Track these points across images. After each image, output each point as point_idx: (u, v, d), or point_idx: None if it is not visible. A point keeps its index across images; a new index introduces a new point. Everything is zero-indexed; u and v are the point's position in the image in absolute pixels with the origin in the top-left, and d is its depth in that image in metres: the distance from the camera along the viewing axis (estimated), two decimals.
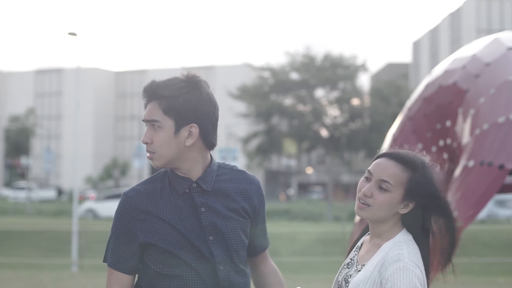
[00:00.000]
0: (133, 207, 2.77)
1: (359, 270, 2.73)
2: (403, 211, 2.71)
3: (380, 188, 2.69)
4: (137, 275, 2.88)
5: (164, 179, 2.84)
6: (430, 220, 2.74)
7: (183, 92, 2.75)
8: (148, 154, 2.80)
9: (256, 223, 2.93)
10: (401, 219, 2.75)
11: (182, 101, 2.74)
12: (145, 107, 2.81)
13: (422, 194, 2.70)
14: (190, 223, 2.77)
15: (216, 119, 2.83)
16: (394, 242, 2.70)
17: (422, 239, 2.73)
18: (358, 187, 2.76)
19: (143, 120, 2.82)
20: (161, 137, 2.75)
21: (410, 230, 2.74)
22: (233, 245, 2.82)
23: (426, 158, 2.76)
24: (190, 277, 2.74)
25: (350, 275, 2.75)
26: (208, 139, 2.81)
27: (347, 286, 2.73)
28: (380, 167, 2.72)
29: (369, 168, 2.76)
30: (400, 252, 2.65)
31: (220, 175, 2.87)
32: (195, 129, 2.76)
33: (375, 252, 2.73)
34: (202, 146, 2.82)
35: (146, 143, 2.77)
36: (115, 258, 2.79)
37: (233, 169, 2.93)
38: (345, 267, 2.83)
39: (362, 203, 2.71)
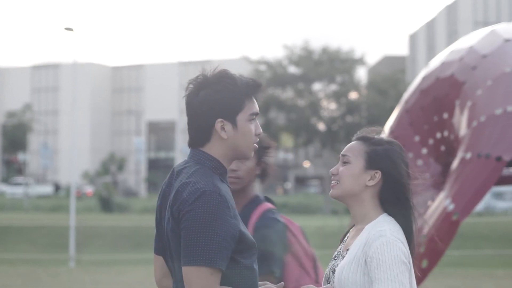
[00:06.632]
0: (229, 205, 2.69)
1: (344, 256, 2.79)
2: (371, 182, 2.80)
3: (344, 163, 2.85)
4: None
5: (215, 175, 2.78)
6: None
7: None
8: None
9: None
10: (382, 206, 2.81)
11: None
12: None
13: (384, 163, 2.79)
14: None
15: None
16: (375, 222, 2.77)
17: (406, 224, 2.79)
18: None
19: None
20: None
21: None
22: None
23: (394, 140, 2.89)
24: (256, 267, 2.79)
25: (337, 264, 2.82)
26: None
27: (334, 275, 2.79)
28: (345, 147, 2.90)
29: None
30: (382, 229, 2.72)
31: None
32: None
33: (358, 236, 2.80)
34: None
35: None
36: (220, 258, 2.62)
37: None
38: (332, 259, 2.89)
39: (332, 182, 2.87)
